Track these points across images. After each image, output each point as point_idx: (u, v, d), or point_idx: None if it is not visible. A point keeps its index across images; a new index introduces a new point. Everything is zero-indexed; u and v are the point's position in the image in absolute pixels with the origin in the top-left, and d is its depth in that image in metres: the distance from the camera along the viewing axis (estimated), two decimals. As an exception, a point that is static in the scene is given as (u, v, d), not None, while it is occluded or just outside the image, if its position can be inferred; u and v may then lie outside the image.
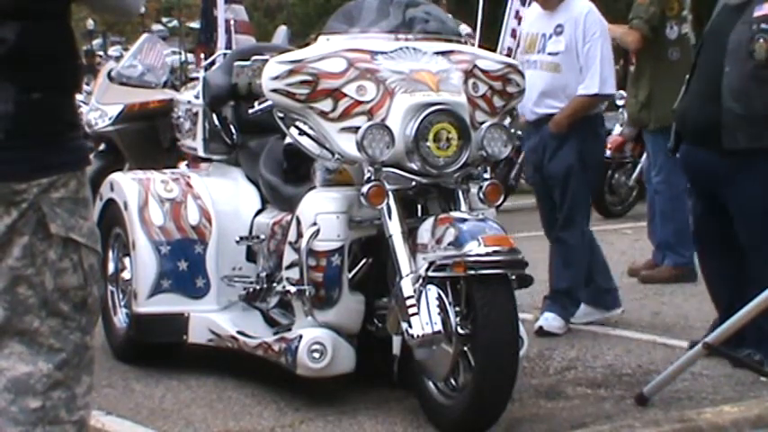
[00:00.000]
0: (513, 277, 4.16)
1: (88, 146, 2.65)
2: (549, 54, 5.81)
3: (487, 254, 4.09)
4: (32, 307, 2.49)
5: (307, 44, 4.74)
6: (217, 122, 5.48)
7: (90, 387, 2.60)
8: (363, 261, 4.57)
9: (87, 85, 10.76)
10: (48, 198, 2.48)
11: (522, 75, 4.87)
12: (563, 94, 5.76)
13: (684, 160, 5.18)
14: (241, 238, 5.16)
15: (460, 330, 4.11)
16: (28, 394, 2.49)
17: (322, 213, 4.50)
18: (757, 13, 4.81)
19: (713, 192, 5.00)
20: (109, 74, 8.97)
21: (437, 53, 4.60)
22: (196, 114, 5.63)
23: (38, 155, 2.47)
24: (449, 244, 4.15)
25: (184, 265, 5.16)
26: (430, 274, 4.15)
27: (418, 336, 4.10)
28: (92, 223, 2.58)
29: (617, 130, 10.54)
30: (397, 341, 4.38)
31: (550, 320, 5.78)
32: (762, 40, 4.74)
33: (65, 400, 2.53)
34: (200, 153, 5.61)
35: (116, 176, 5.61)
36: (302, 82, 4.46)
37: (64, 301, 2.52)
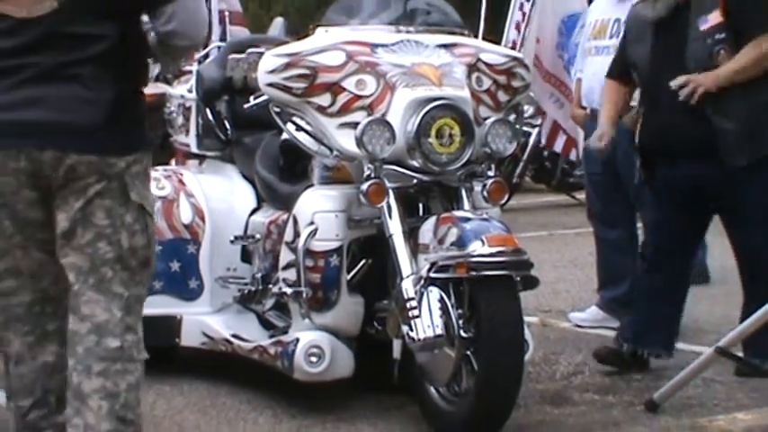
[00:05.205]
0: (518, 278, 4.13)
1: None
2: None
3: (491, 254, 4.04)
4: (109, 261, 3.10)
5: (305, 36, 4.68)
6: (211, 117, 5.43)
7: (141, 338, 3.17)
8: (363, 262, 4.55)
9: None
10: (130, 171, 3.11)
11: (528, 68, 4.82)
12: None
13: (669, 178, 5.01)
14: (236, 238, 5.15)
15: (463, 333, 4.07)
16: (108, 336, 3.08)
17: (320, 212, 4.47)
18: (704, 27, 4.73)
19: (703, 207, 4.88)
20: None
21: (439, 46, 4.55)
22: (189, 109, 5.60)
23: (127, 136, 3.13)
24: (451, 244, 4.10)
25: (177, 265, 5.14)
26: (432, 275, 4.11)
27: (419, 339, 4.07)
28: (152, 196, 3.30)
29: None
30: (397, 344, 4.35)
31: None
32: (723, 51, 4.69)
33: (135, 342, 3.13)
34: (194, 149, 5.59)
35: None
36: (299, 76, 4.40)
37: (134, 258, 3.13)
